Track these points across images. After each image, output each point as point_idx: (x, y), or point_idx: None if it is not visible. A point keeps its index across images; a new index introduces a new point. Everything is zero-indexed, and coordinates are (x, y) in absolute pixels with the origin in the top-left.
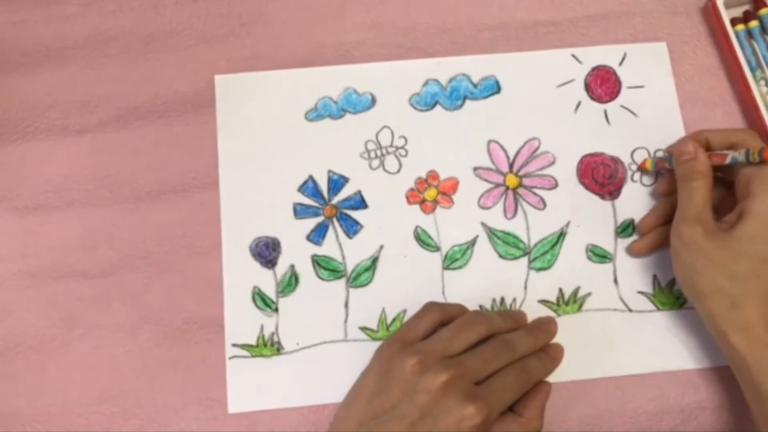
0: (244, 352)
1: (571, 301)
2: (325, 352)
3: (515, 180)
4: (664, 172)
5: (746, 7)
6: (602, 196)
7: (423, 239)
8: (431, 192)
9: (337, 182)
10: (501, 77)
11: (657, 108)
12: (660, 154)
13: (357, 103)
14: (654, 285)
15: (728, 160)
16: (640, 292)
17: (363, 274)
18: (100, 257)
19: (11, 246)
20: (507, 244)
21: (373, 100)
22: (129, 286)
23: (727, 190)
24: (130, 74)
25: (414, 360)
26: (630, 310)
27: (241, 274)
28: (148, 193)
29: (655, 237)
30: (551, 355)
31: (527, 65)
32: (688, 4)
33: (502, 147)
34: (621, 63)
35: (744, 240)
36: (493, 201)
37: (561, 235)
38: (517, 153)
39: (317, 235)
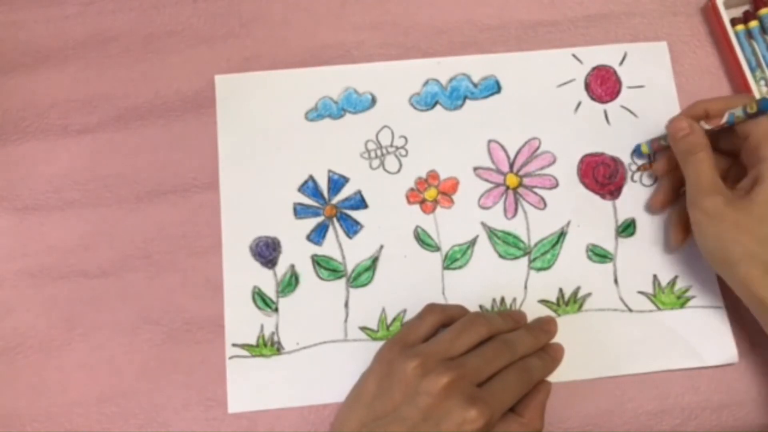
0: (244, 352)
1: (571, 301)
2: (325, 352)
3: (515, 180)
4: (661, 151)
5: (746, 7)
6: (603, 196)
7: (423, 239)
8: (431, 192)
9: (337, 182)
10: (501, 77)
11: (657, 108)
12: (659, 154)
13: (357, 103)
14: (654, 285)
15: (725, 119)
16: (640, 292)
17: (363, 274)
18: (100, 257)
19: (11, 246)
20: (507, 244)
21: (373, 100)
22: (129, 286)
23: (732, 161)
24: (130, 74)
25: (415, 362)
26: (630, 310)
27: (241, 274)
28: (148, 193)
29: (670, 185)
30: (552, 354)
31: (527, 65)
32: (688, 4)
33: (502, 147)
34: (621, 63)
35: (766, 203)
36: (494, 201)
37: (561, 234)
38: (518, 153)
39: (317, 234)
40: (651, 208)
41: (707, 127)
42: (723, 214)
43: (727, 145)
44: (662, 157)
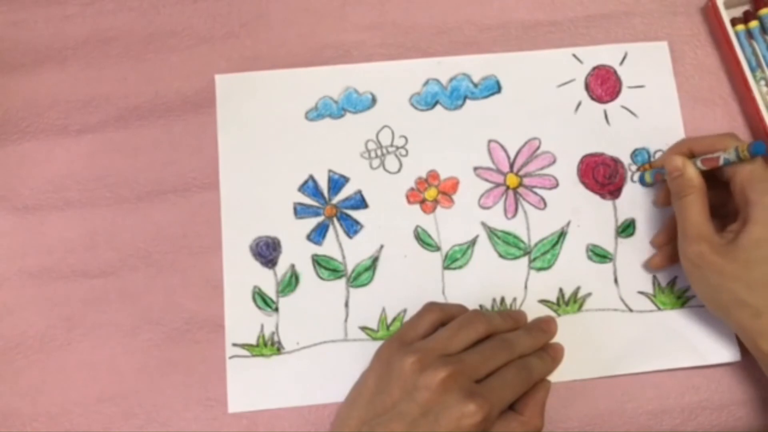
0: (245, 352)
1: (571, 301)
2: (325, 351)
3: (515, 180)
4: (661, 185)
5: (746, 7)
6: (603, 196)
7: (423, 239)
8: (431, 192)
9: (337, 182)
10: (501, 77)
11: (657, 108)
12: (658, 155)
13: (357, 103)
14: (654, 285)
15: (721, 162)
16: (640, 292)
17: (363, 274)
18: (100, 257)
19: (11, 246)
20: (507, 244)
21: (374, 100)
22: (129, 286)
23: (728, 193)
24: (130, 74)
25: (413, 358)
26: (630, 310)
27: (242, 273)
28: (148, 193)
29: (667, 252)
30: (551, 354)
31: (528, 65)
32: (688, 4)
33: (502, 147)
34: (622, 62)
35: (751, 247)
36: (494, 201)
37: (561, 234)
38: (518, 153)
39: (317, 234)
40: (654, 245)
41: (702, 167)
42: (709, 262)
43: (722, 177)
44: (662, 189)
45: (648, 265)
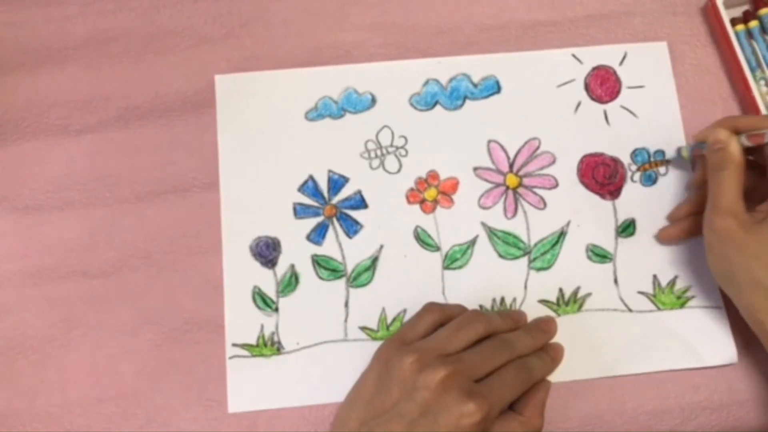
0: (245, 352)
1: (571, 301)
2: (325, 351)
3: (515, 180)
4: (699, 161)
5: (746, 7)
6: (602, 196)
7: (423, 239)
8: (431, 192)
9: (337, 182)
10: (501, 77)
11: (657, 108)
12: (659, 155)
13: (357, 103)
14: (654, 285)
15: (767, 138)
16: (640, 292)
17: (363, 274)
18: (100, 257)
19: (11, 246)
20: (507, 244)
21: (373, 100)
22: (129, 286)
23: (761, 176)
24: (130, 74)
25: (412, 358)
26: (630, 310)
27: (241, 274)
28: (148, 193)
29: (685, 225)
30: (551, 354)
31: (527, 65)
32: (688, 4)
33: (502, 147)
34: (621, 63)
35: None
36: (493, 201)
37: (561, 235)
38: (518, 153)
39: (317, 234)
40: (673, 217)
41: (747, 143)
42: (733, 237)
43: (761, 160)
44: (699, 168)
45: (660, 237)
